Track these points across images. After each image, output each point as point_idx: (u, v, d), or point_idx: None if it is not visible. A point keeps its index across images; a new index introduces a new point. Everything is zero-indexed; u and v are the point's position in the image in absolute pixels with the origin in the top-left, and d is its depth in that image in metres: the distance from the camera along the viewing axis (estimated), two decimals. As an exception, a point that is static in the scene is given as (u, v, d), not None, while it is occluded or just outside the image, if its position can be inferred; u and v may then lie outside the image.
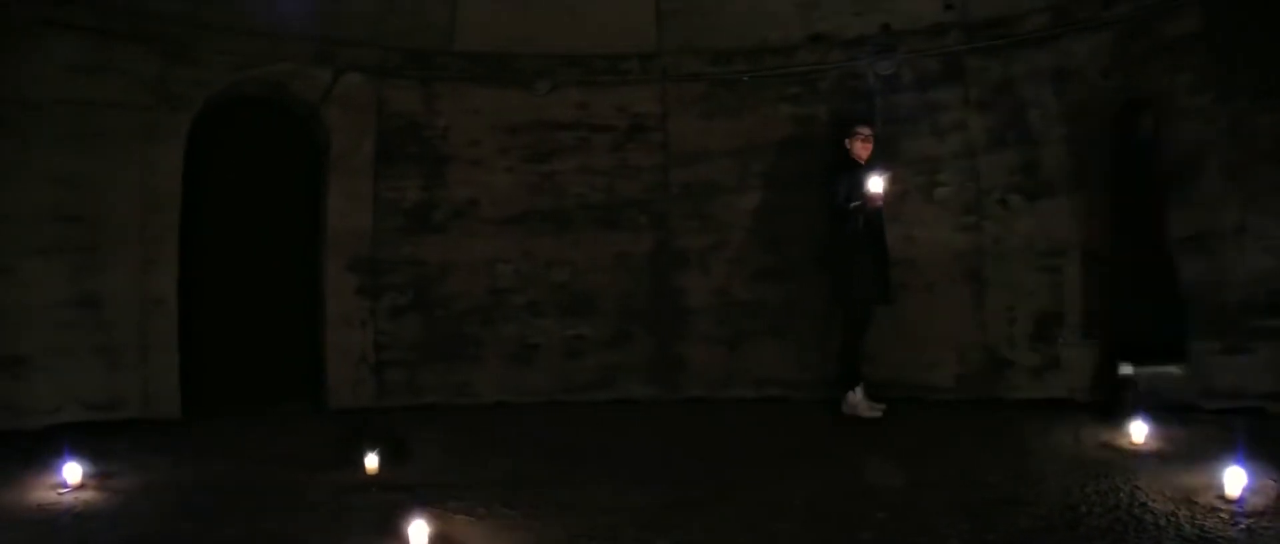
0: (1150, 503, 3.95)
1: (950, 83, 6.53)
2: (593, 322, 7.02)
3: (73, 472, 4.46)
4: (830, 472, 4.84)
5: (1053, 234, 6.17)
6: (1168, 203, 5.72)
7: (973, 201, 6.46)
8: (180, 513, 4.23)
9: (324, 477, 4.77)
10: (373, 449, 4.82)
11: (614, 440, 5.78)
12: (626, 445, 5.64)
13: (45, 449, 4.81)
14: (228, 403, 6.40)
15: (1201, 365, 5.53)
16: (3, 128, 5.52)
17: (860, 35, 6.76)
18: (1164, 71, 5.71)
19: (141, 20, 5.92)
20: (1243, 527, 3.63)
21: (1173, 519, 3.74)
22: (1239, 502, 3.84)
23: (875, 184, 5.93)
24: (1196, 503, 3.90)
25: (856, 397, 6.09)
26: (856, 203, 5.98)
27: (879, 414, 6.04)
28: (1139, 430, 4.95)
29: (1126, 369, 5.88)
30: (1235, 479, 3.90)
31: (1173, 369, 5.70)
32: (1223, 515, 3.76)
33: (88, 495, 4.38)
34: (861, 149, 6.22)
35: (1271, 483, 4.00)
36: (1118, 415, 5.27)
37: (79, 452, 4.63)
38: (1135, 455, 4.78)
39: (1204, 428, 5.10)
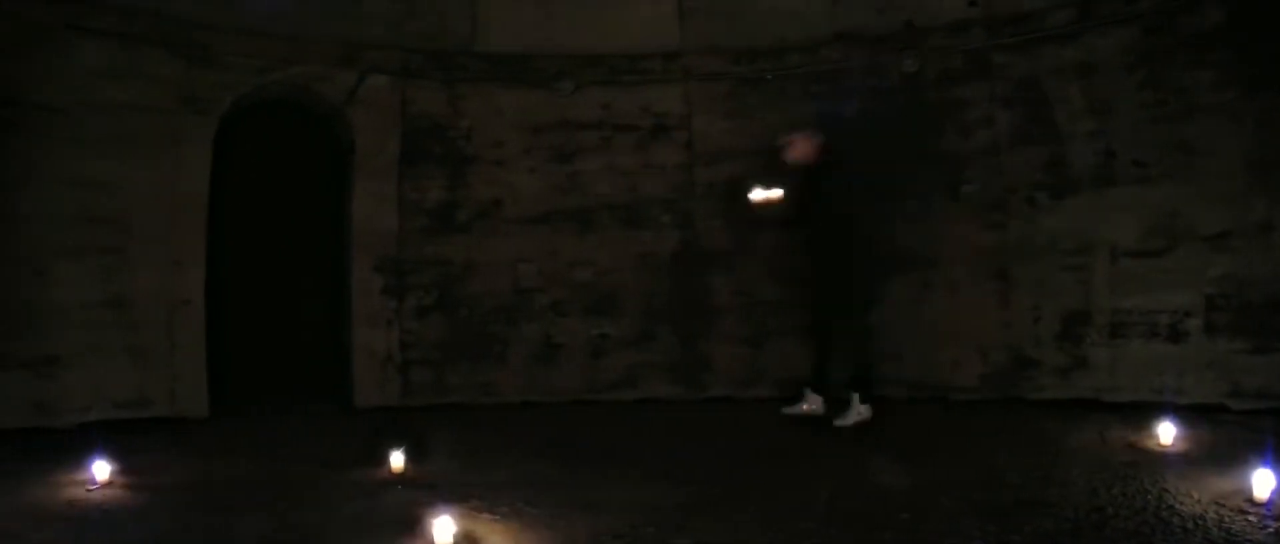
0: (1177, 505, 3.89)
1: (975, 79, 6.47)
2: (617, 321, 7.03)
3: (102, 469, 4.52)
4: (853, 471, 4.81)
5: (1080, 232, 6.09)
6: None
7: (999, 199, 6.39)
8: (206, 509, 4.26)
9: (349, 475, 4.81)
10: (398, 448, 4.84)
11: (638, 440, 5.78)
12: (650, 445, 5.63)
13: (76, 447, 4.89)
14: (254, 402, 6.48)
15: (1229, 365, 5.44)
16: (30, 132, 5.60)
17: (884, 33, 6.72)
18: (1186, 67, 5.64)
19: (165, 24, 6.00)
20: (1271, 530, 3.56)
21: (1200, 522, 3.68)
22: (1268, 504, 3.77)
23: (755, 193, 6.01)
24: (1224, 505, 3.84)
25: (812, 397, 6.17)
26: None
27: (816, 411, 6.10)
28: (1166, 432, 4.89)
29: None
30: (1264, 482, 3.83)
31: None
32: (1251, 518, 3.69)
33: (116, 492, 4.43)
34: (791, 154, 6.19)
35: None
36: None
37: (108, 449, 4.70)
38: (1162, 457, 4.72)
39: (1231, 429, 5.03)
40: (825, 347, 6.12)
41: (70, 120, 5.72)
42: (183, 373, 6.11)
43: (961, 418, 6.03)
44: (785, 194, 5.97)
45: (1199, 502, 3.91)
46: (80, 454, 4.72)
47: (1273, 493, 3.80)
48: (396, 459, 4.82)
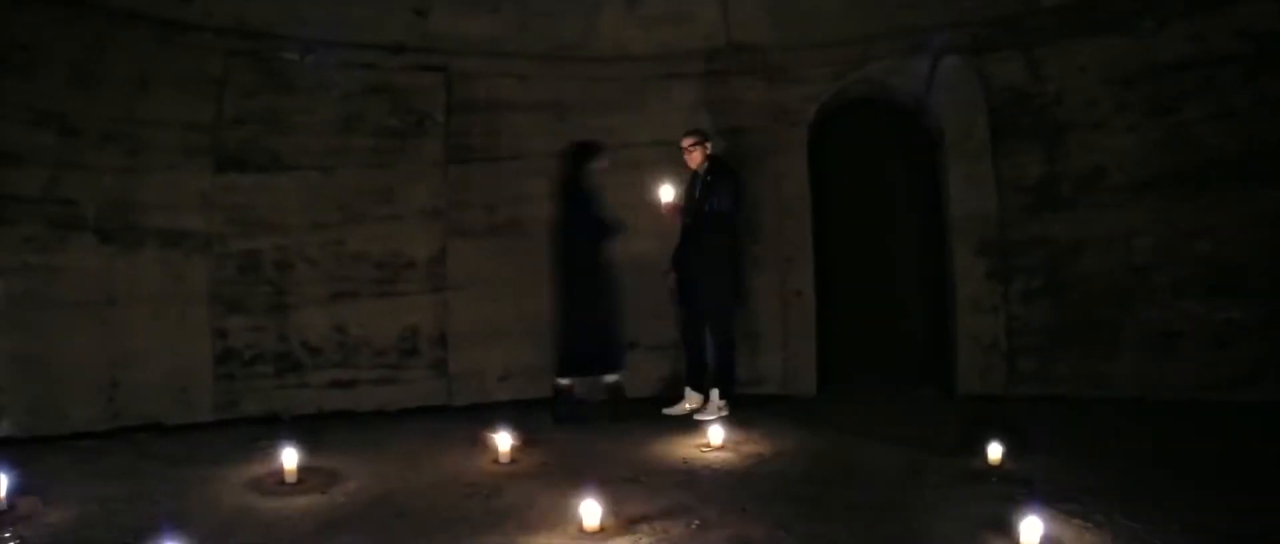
0: None
1: None
2: (1241, 303, 5.83)
3: (716, 434, 5.25)
4: None
5: None
6: None
7: None
8: (804, 477, 4.69)
9: (943, 460, 4.84)
10: (997, 439, 4.72)
11: (1261, 452, 4.83)
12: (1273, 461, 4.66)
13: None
14: (859, 384, 6.77)
15: None
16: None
17: None
18: None
19: (744, 55, 6.73)
20: None
21: None
22: None
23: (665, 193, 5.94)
24: None
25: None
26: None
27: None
28: None
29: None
30: None
31: None
32: None
33: (726, 455, 5.14)
34: (687, 158, 6.05)
35: None
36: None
37: (724, 417, 5.54)
38: None
39: None
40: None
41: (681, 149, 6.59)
42: (794, 355, 6.71)
43: None
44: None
45: None
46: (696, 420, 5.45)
47: None
48: (994, 450, 4.71)
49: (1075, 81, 6.28)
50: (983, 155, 6.48)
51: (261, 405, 6.08)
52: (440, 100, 6.52)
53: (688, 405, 6.10)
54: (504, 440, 4.97)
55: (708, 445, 5.16)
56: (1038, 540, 3.46)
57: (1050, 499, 3.97)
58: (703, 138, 6.06)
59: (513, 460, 4.94)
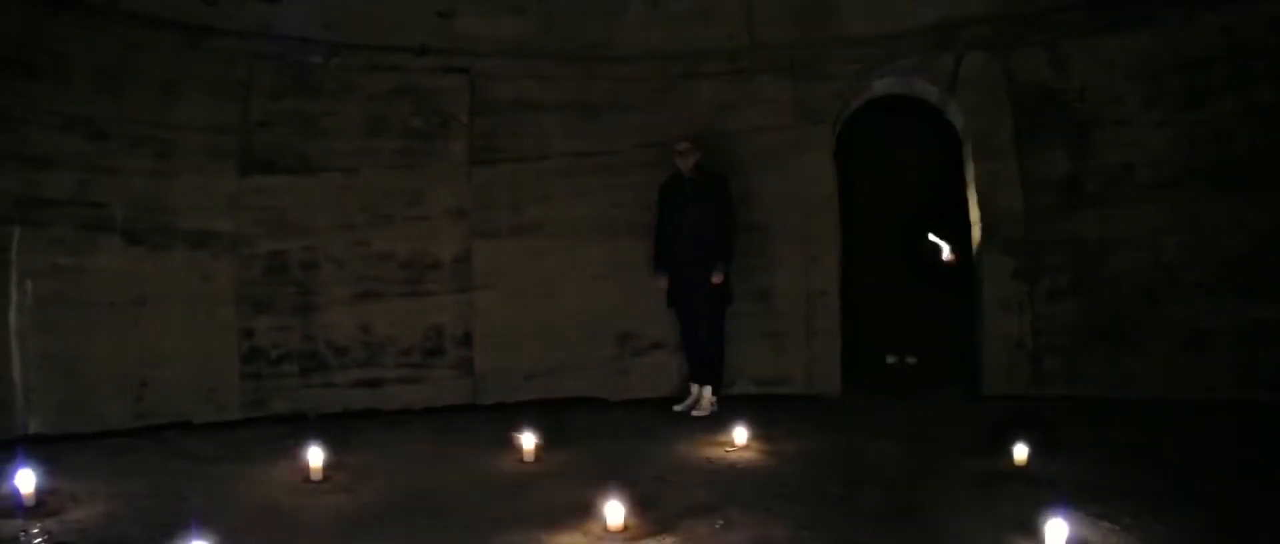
0: None
1: None
2: (1272, 301, 5.74)
3: (740, 434, 5.18)
4: None
5: None
6: None
7: None
8: (827, 477, 4.68)
9: (969, 461, 4.82)
10: (1022, 439, 4.69)
11: None
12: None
13: (720, 415, 5.76)
14: (884, 385, 6.72)
15: None
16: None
17: None
18: None
19: (766, 52, 6.69)
20: None
21: None
22: None
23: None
24: None
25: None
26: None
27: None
28: None
29: None
30: None
31: None
32: None
33: (751, 455, 5.09)
34: (680, 162, 6.17)
35: None
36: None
37: (748, 418, 5.43)
38: None
39: None
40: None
41: (706, 149, 6.54)
42: (819, 355, 6.67)
43: None
44: None
45: None
46: (721, 420, 5.51)
47: None
48: (1020, 451, 4.68)
49: (1101, 76, 6.22)
50: (1008, 153, 6.41)
51: (288, 404, 6.13)
52: (465, 102, 6.55)
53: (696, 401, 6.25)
54: (529, 440, 4.99)
55: (732, 445, 5.16)
56: (1064, 543, 3.42)
57: (1077, 501, 3.93)
58: (695, 144, 6.24)
59: (537, 460, 4.96)
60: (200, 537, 3.44)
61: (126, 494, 4.32)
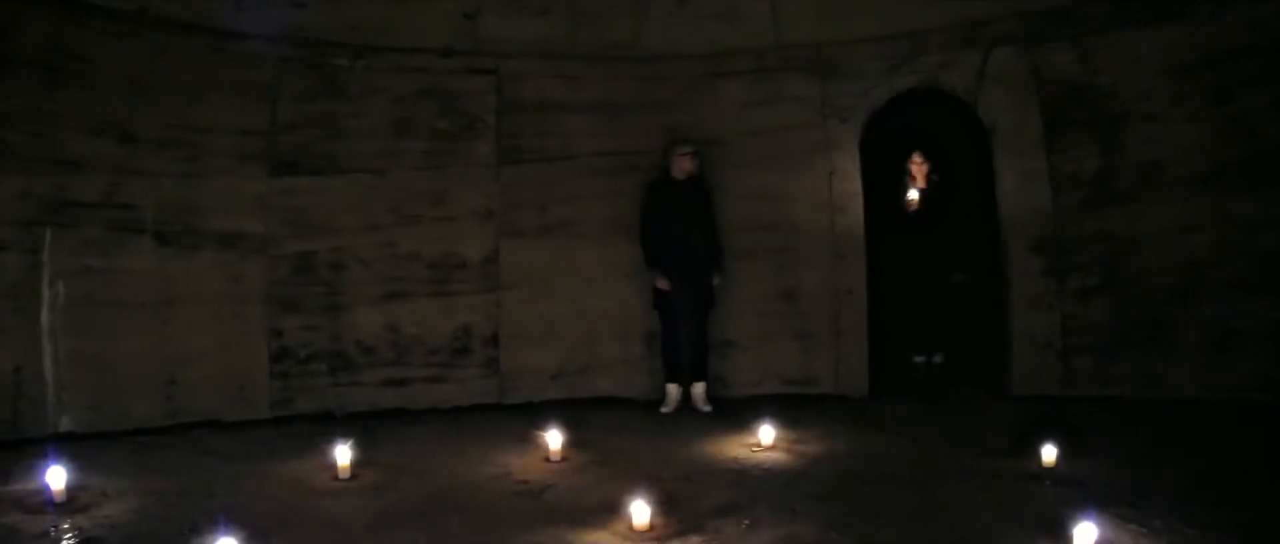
0: None
1: None
2: None
3: (766, 434, 5.14)
4: None
5: None
6: None
7: None
8: (856, 479, 4.66)
9: (997, 462, 4.79)
10: (1050, 440, 4.67)
11: None
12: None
13: (747, 414, 5.69)
14: (911, 384, 6.68)
15: None
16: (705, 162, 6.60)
17: None
18: None
19: (793, 51, 6.69)
20: None
21: None
22: None
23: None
24: None
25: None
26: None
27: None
28: None
29: None
30: None
31: None
32: None
33: (777, 455, 5.07)
34: (678, 165, 6.30)
35: None
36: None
37: (775, 417, 5.41)
38: None
39: None
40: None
41: (731, 148, 6.69)
42: (846, 355, 6.65)
43: None
44: None
45: None
46: (750, 420, 5.47)
47: None
48: (1048, 452, 4.66)
49: (1130, 71, 6.13)
50: (1036, 149, 6.34)
51: (316, 403, 6.17)
52: (490, 102, 6.56)
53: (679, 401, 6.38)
54: (555, 439, 5.01)
55: (758, 445, 5.15)
56: (1093, 546, 3.39)
57: (1106, 503, 3.91)
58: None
59: (564, 459, 4.97)
60: (229, 533, 3.48)
61: (156, 491, 4.37)
